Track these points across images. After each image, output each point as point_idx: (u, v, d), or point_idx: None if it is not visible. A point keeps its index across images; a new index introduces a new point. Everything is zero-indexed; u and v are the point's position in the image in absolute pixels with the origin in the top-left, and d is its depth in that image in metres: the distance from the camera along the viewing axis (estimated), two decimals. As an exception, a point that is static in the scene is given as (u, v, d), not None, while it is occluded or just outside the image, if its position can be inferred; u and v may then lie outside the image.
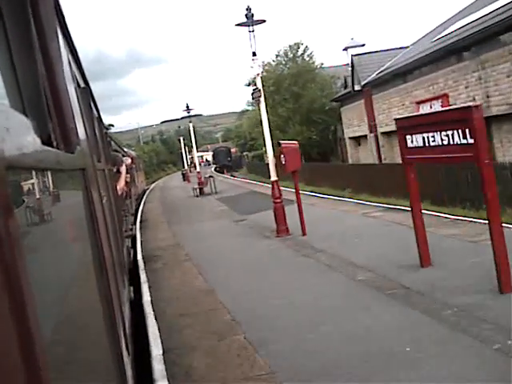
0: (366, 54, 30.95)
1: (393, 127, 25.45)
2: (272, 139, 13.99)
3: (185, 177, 52.95)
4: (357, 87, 29.44)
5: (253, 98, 14.17)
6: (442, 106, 19.23)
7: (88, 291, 1.96)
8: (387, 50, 30.25)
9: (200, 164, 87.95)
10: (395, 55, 27.85)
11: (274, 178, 13.68)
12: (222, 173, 61.19)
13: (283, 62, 36.67)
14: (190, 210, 23.56)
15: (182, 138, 63.49)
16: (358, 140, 32.28)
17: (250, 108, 46.39)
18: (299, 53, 37.38)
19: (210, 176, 32.94)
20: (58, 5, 2.30)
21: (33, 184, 1.26)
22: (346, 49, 39.97)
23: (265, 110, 13.62)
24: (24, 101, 1.24)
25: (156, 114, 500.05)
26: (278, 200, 13.34)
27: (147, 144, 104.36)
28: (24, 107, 1.22)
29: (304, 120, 35.83)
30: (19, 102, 1.21)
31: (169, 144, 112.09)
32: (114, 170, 8.83)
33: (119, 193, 8.54)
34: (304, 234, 12.79)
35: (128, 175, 12.49)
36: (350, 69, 36.70)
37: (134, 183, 24.19)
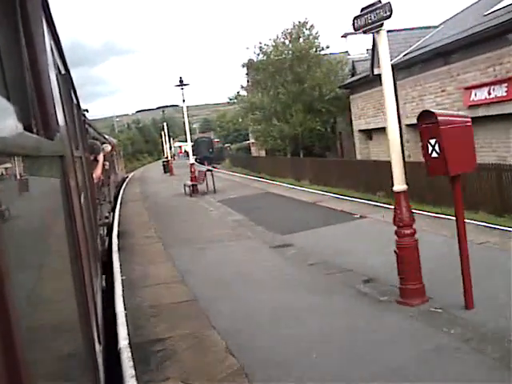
0: (389, 31, 26.89)
1: (423, 119, 24.36)
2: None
3: (166, 168, 45.49)
4: (376, 71, 24.68)
5: (356, 29, 7.71)
6: (508, 92, 15.76)
7: (62, 278, 1.97)
8: (413, 28, 25.58)
9: (178, 155, 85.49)
10: (423, 35, 24.00)
11: (399, 186, 6.90)
12: (203, 165, 60.64)
13: (286, 43, 34.33)
14: (188, 220, 16.31)
15: (165, 124, 59.39)
16: (368, 133, 28.13)
17: (241, 93, 42.70)
18: (305, 32, 33.58)
19: (209, 170, 26.65)
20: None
21: (11, 169, 1.26)
22: (345, 35, 36.71)
23: (387, 50, 7.53)
24: (7, 86, 1.24)
25: (131, 103, 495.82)
26: (408, 231, 6.79)
27: (122, 133, 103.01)
28: (7, 93, 1.23)
29: (306, 108, 32.26)
30: (2, 88, 1.21)
31: (144, 133, 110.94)
32: (92, 158, 8.75)
33: (95, 181, 8.47)
34: (469, 304, 6.39)
35: (107, 162, 12.36)
36: (348, 56, 35.20)
37: (114, 171, 24.00)
